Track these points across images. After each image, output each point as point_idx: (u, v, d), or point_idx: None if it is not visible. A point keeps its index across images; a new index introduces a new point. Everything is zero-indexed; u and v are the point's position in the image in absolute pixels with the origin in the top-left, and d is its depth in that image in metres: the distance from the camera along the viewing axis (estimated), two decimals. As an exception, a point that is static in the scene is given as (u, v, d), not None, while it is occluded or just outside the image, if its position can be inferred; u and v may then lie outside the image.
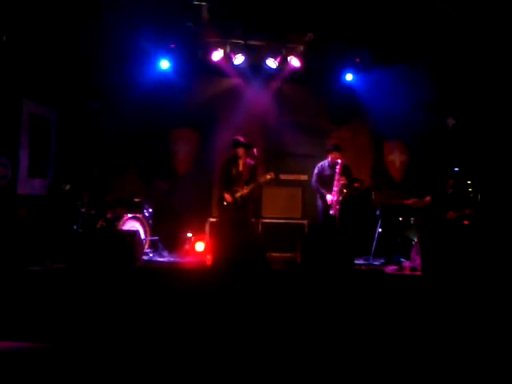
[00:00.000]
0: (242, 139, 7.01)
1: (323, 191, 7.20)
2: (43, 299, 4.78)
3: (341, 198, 7.02)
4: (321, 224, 7.44)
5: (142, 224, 7.58)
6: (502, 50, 7.71)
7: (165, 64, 8.50)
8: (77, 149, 8.17)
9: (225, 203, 6.90)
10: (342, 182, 7.03)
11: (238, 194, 6.85)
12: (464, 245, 6.22)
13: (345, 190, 7.03)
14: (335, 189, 7.04)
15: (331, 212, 7.03)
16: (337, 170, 7.08)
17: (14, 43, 6.91)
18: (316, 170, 7.43)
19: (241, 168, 6.99)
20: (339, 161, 7.10)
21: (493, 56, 7.88)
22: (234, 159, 7.04)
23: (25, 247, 6.54)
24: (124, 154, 8.63)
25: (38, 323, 4.22)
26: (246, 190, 6.85)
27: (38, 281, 5.40)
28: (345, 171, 7.17)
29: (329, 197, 7.09)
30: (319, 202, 7.40)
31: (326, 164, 7.35)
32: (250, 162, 7.02)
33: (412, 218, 7.48)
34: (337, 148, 7.25)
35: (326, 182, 7.22)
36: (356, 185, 7.32)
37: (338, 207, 7.01)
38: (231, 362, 3.42)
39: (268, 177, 6.87)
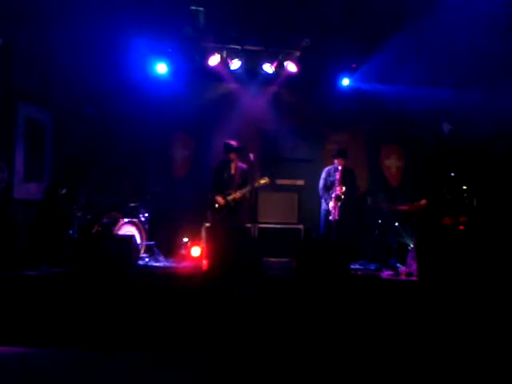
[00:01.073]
0: (233, 143, 7.06)
1: (327, 197, 7.23)
2: (39, 304, 4.77)
3: (339, 205, 7.05)
4: (322, 229, 7.47)
5: (138, 229, 7.56)
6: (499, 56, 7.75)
7: (162, 68, 8.53)
8: (73, 153, 8.16)
9: (216, 205, 6.94)
10: (339, 189, 7.05)
11: (231, 197, 6.88)
12: (460, 250, 6.23)
13: (342, 197, 7.05)
14: (332, 195, 7.07)
15: (330, 218, 7.07)
16: (337, 177, 7.11)
17: (11, 46, 6.91)
18: (323, 175, 7.46)
19: (233, 171, 7.04)
20: (339, 167, 7.13)
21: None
22: (226, 163, 7.09)
23: (20, 251, 6.52)
24: (120, 158, 8.61)
25: (34, 328, 4.21)
26: (238, 194, 6.88)
27: (34, 285, 5.37)
28: (346, 177, 7.18)
29: (330, 203, 7.12)
30: (323, 207, 7.41)
31: (333, 169, 7.37)
32: (242, 165, 7.07)
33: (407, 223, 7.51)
34: (340, 154, 7.26)
35: (330, 187, 7.26)
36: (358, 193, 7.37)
37: (336, 213, 7.04)
38: (225, 367, 3.42)
39: (262, 181, 6.88)
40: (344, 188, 7.09)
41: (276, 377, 3.27)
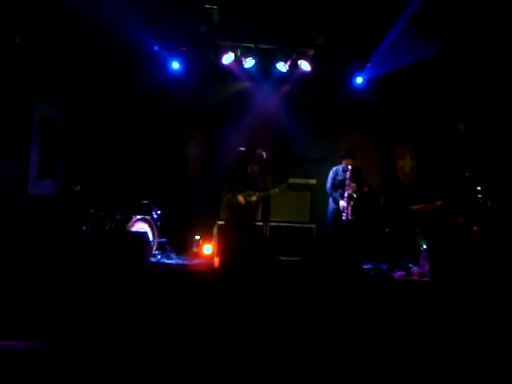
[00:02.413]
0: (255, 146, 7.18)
1: (337, 196, 7.19)
2: (52, 299, 4.81)
3: (351, 204, 7.01)
4: (329, 227, 7.44)
5: (151, 226, 7.61)
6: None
7: (175, 65, 8.57)
8: (87, 150, 8.23)
9: (235, 203, 6.98)
10: (351, 188, 7.02)
11: (254, 199, 6.96)
12: (473, 251, 6.18)
13: (355, 196, 7.02)
14: (345, 194, 7.04)
15: (343, 218, 7.02)
16: (347, 176, 7.08)
17: (27, 45, 6.98)
18: (331, 174, 7.42)
19: (249, 171, 7.09)
20: (350, 166, 7.10)
21: (503, 60, 7.83)
22: (245, 162, 7.11)
23: (34, 247, 6.58)
24: (134, 155, 8.66)
25: (47, 323, 4.25)
26: (255, 198, 6.98)
27: (47, 281, 5.43)
28: (356, 176, 7.16)
29: (341, 203, 7.08)
30: (331, 206, 7.38)
31: (340, 169, 7.34)
32: (256, 167, 7.18)
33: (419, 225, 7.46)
34: (350, 154, 7.24)
35: (338, 186, 7.23)
36: (365, 189, 7.33)
37: (349, 213, 7.00)
38: (236, 364, 3.43)
39: (283, 188, 7.05)
40: (355, 185, 7.06)
41: (287, 372, 3.28)
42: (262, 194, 7.10)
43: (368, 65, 8.68)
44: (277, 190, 7.14)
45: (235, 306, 4.73)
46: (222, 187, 8.35)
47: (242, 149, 7.26)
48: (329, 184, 7.40)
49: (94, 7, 6.80)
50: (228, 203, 7.16)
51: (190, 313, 4.61)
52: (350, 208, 7.01)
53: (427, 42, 7.52)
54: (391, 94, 8.99)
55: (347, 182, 7.07)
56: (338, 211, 7.20)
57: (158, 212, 7.94)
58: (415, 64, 7.98)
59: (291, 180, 8.68)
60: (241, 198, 6.96)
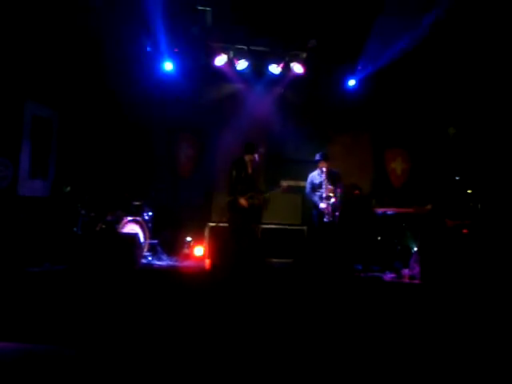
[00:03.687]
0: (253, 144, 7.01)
1: (316, 200, 7.22)
2: (42, 300, 4.79)
3: (330, 204, 7.03)
4: (315, 231, 7.45)
5: (142, 227, 7.57)
6: (502, 59, 7.74)
7: (168, 66, 8.54)
8: (78, 150, 8.18)
9: (237, 204, 6.70)
10: (328, 190, 7.06)
11: (257, 202, 6.80)
12: (463, 254, 6.22)
13: (331, 195, 7.04)
14: (323, 196, 7.06)
15: (325, 219, 7.03)
16: (323, 178, 7.11)
17: (18, 45, 6.94)
18: (308, 179, 7.47)
19: (249, 171, 6.87)
20: (324, 169, 7.13)
21: (493, 64, 7.91)
22: (243, 162, 6.88)
23: (25, 248, 6.54)
24: (125, 157, 8.62)
25: (37, 324, 4.22)
26: (258, 201, 6.81)
27: (37, 282, 5.40)
28: (332, 178, 7.18)
29: (322, 205, 7.09)
30: (313, 210, 7.40)
31: (316, 173, 7.38)
32: (256, 163, 7.03)
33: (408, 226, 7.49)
34: (323, 157, 7.30)
35: (316, 189, 7.27)
36: (356, 192, 7.36)
37: (330, 213, 7.00)
38: (228, 364, 3.43)
39: (284, 189, 6.98)
40: (331, 187, 7.09)
41: (278, 376, 3.28)
42: (266, 196, 6.91)
43: (359, 67, 8.73)
44: (279, 191, 7.07)
45: (226, 308, 4.72)
46: (214, 188, 8.33)
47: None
48: (308, 189, 7.45)
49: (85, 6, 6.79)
50: (230, 205, 6.84)
51: (180, 314, 4.59)
52: (329, 209, 7.03)
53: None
54: (383, 97, 9.03)
55: (323, 184, 7.10)
56: (319, 214, 7.20)
57: (149, 213, 7.91)
58: (406, 57, 8.04)
59: (283, 182, 8.69)
60: (244, 202, 6.71)
